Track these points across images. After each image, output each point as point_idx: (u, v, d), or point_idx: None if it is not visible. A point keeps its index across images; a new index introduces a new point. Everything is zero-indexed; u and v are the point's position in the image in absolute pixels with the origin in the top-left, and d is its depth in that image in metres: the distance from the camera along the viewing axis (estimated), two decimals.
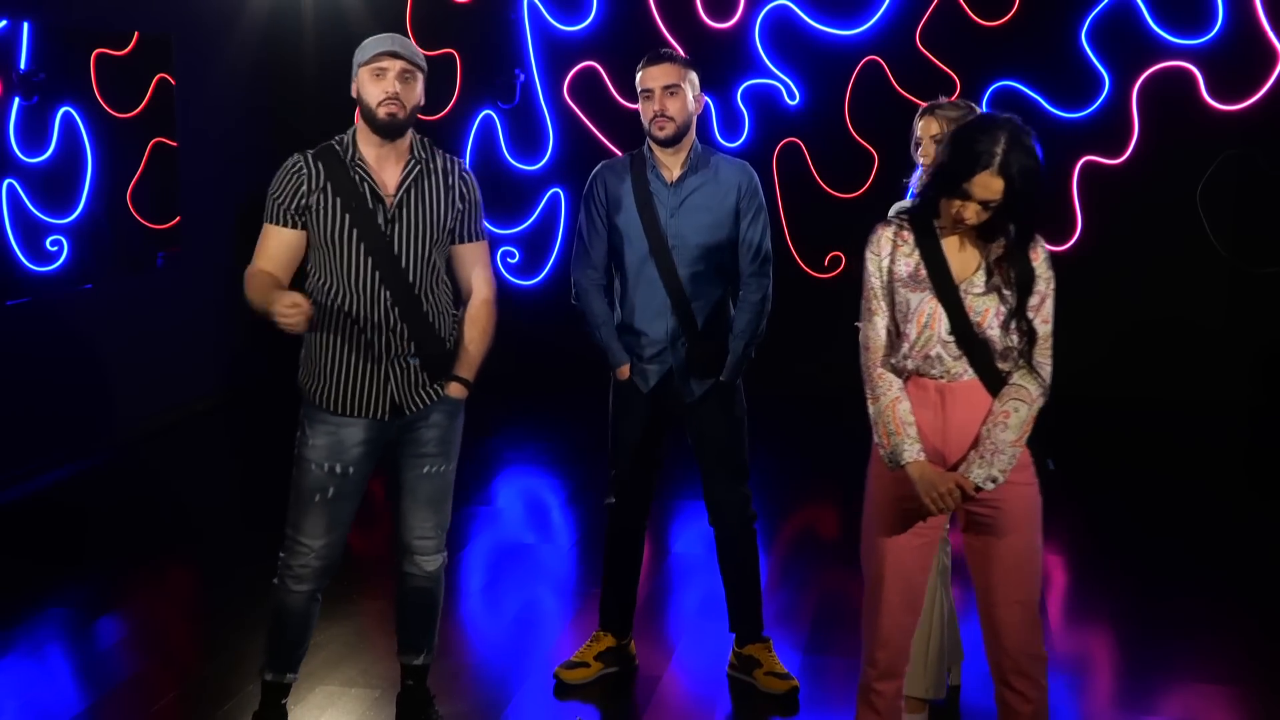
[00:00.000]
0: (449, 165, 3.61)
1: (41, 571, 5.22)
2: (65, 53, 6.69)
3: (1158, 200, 7.60)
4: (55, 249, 6.63)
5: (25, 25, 6.33)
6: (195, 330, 7.80)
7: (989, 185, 2.90)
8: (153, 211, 7.32)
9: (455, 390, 3.64)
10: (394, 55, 3.41)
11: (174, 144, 7.41)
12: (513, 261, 8.44)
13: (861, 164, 7.87)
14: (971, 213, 2.93)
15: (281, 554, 3.62)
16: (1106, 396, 7.73)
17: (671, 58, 3.93)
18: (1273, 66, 7.40)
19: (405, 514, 3.67)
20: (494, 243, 8.39)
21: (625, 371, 4.07)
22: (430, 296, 3.54)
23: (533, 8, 8.18)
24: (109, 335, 7.04)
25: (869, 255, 3.11)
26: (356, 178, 3.45)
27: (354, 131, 3.51)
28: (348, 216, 3.44)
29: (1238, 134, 7.47)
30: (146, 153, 7.24)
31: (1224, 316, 7.68)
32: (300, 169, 3.46)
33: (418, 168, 3.52)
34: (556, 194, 8.35)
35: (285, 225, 3.47)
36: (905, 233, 3.07)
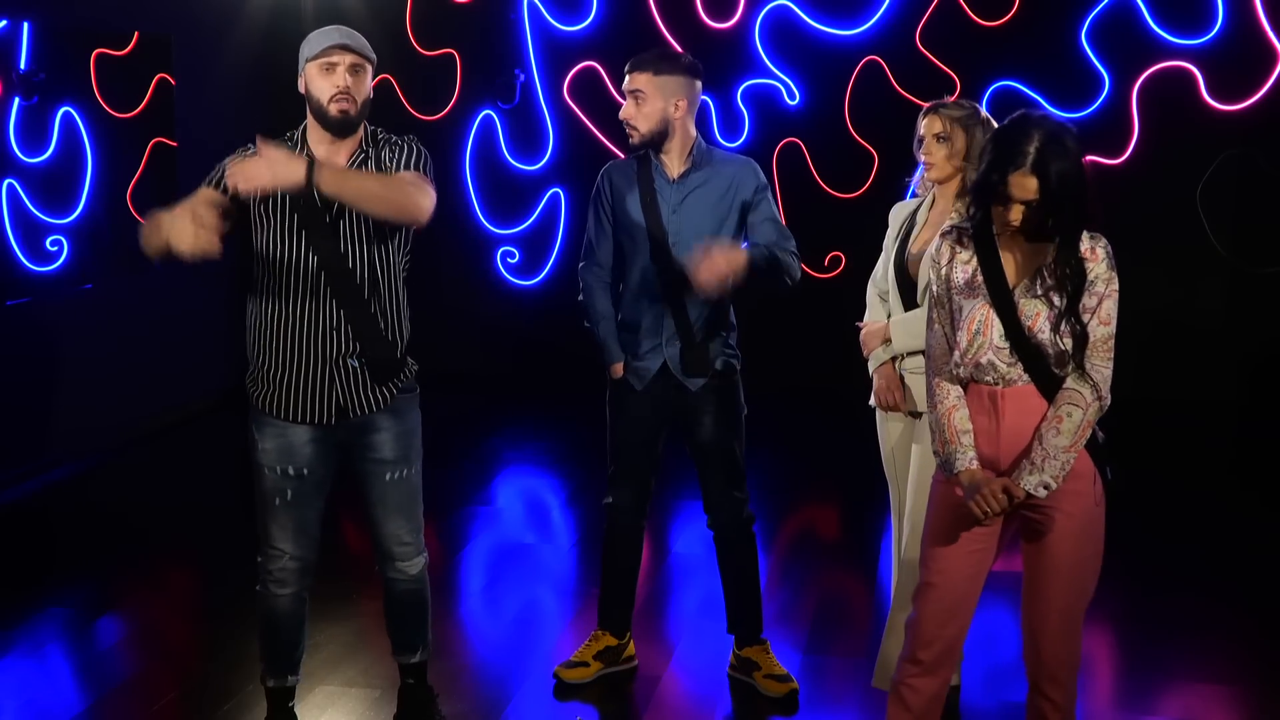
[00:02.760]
0: (394, 146, 3.44)
1: (41, 571, 5.22)
2: (65, 53, 6.69)
3: (1158, 200, 7.60)
4: (55, 249, 6.63)
5: (25, 25, 6.33)
6: (195, 330, 7.80)
7: (1024, 185, 2.90)
8: (153, 211, 7.31)
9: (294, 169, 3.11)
10: (344, 49, 3.28)
11: (174, 144, 7.40)
12: (513, 261, 8.44)
13: (861, 164, 7.87)
14: (1016, 214, 2.93)
15: (259, 559, 3.59)
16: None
17: (640, 64, 3.86)
18: (1273, 66, 7.40)
19: (380, 524, 3.61)
20: (494, 243, 8.46)
21: (618, 370, 4.07)
22: (378, 296, 3.44)
23: (533, 8, 8.18)
24: (109, 335, 7.04)
25: (930, 265, 3.14)
26: None
27: (304, 127, 3.39)
28: (296, 216, 3.32)
29: (1238, 134, 7.47)
30: (146, 153, 7.24)
31: (1224, 316, 7.68)
32: (250, 153, 3.28)
33: (361, 156, 3.39)
34: (556, 194, 8.34)
35: (216, 189, 3.25)
36: (965, 240, 3.08)
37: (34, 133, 6.46)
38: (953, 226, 3.14)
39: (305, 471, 3.48)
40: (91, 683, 4.31)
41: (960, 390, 3.09)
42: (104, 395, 7.03)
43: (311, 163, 3.11)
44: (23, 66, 6.34)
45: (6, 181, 6.31)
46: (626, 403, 4.10)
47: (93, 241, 6.87)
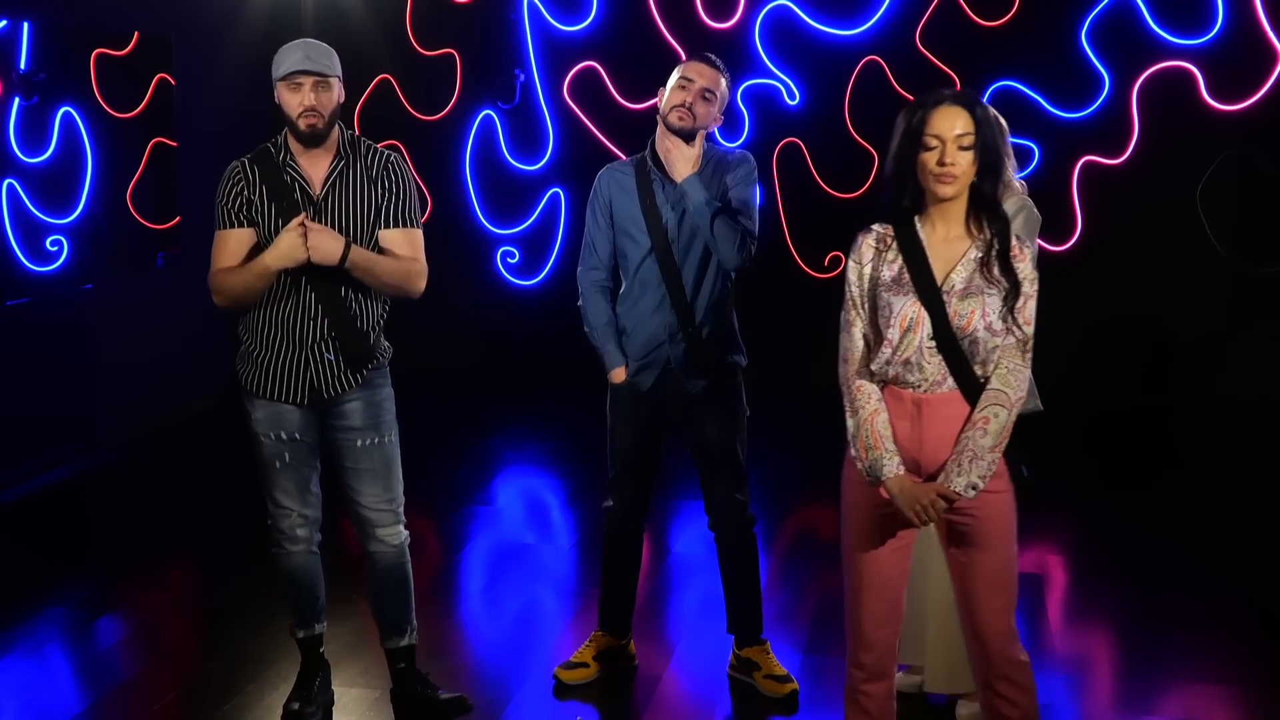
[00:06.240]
0: (374, 158, 3.70)
1: (41, 571, 5.22)
2: (65, 53, 6.69)
3: (1158, 200, 7.60)
4: (55, 249, 6.63)
5: (25, 25, 6.33)
6: (195, 330, 7.80)
7: (953, 119, 2.89)
8: (153, 211, 7.32)
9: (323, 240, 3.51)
10: (306, 73, 3.51)
11: (174, 144, 7.40)
12: (513, 261, 8.44)
13: (861, 164, 7.87)
14: (954, 158, 2.88)
15: (269, 523, 3.81)
16: (1105, 397, 7.72)
17: (722, 70, 3.95)
18: (1273, 66, 7.40)
19: (352, 490, 3.78)
20: (494, 243, 8.46)
21: (619, 375, 4.06)
22: (354, 290, 3.65)
23: (533, 8, 8.18)
24: (109, 335, 7.04)
25: (850, 263, 3.07)
26: (288, 178, 3.62)
27: (285, 134, 3.65)
28: (280, 220, 3.59)
29: (1238, 134, 7.47)
30: (146, 153, 7.24)
31: (1224, 316, 7.69)
32: (238, 174, 3.66)
33: (341, 163, 3.64)
34: (556, 194, 8.35)
35: (237, 226, 3.64)
36: (889, 237, 3.04)
37: (34, 133, 6.46)
38: (870, 226, 3.09)
39: (297, 435, 3.72)
40: (91, 683, 4.32)
41: (879, 393, 3.04)
42: (104, 395, 7.03)
43: (347, 246, 3.51)
44: (23, 66, 6.34)
45: (6, 181, 6.31)
46: (627, 407, 4.10)
47: (93, 241, 6.87)
